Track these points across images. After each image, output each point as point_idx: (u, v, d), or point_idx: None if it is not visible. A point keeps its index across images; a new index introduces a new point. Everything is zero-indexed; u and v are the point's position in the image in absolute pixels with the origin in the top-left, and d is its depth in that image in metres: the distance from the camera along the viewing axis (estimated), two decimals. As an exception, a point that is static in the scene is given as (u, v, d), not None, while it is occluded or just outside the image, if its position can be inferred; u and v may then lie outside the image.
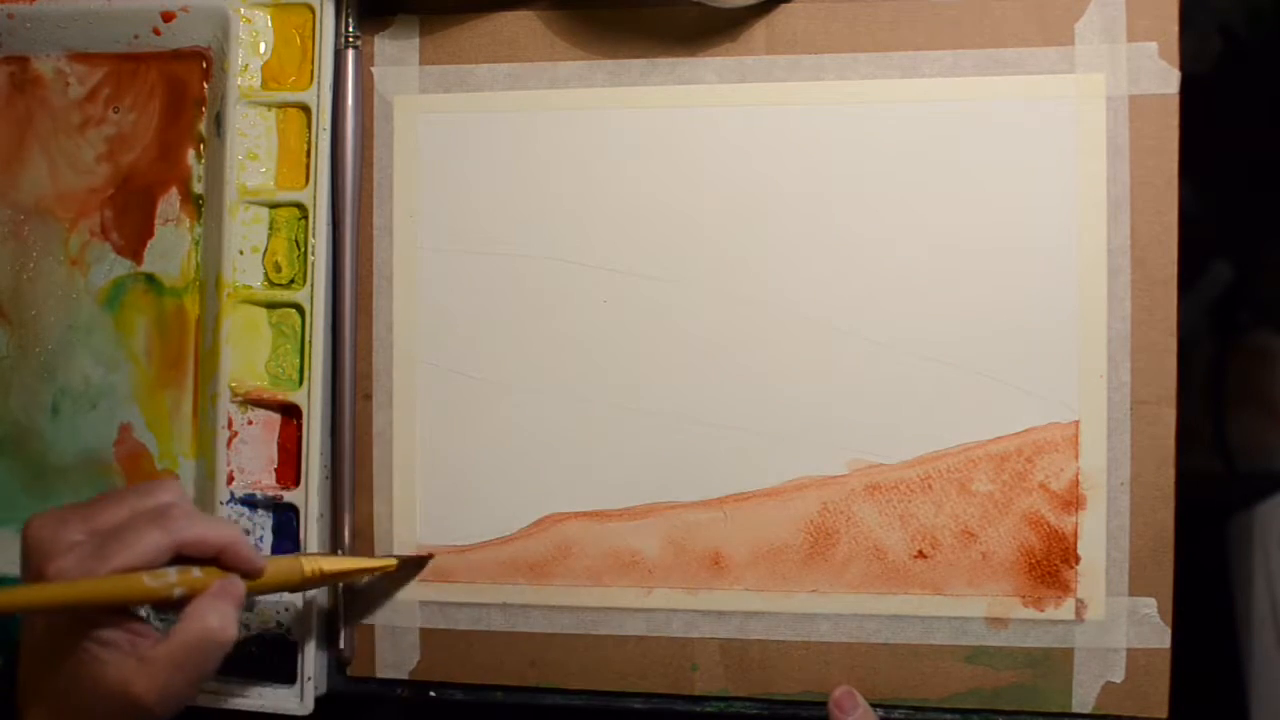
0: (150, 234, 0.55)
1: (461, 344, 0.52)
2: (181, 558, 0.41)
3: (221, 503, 0.52)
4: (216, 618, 0.40)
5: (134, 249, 0.55)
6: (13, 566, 0.54)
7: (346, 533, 0.52)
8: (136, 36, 0.54)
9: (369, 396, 0.53)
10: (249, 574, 0.43)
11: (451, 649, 0.52)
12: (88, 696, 0.40)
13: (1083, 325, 0.49)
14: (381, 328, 0.53)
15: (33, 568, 0.40)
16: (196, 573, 0.41)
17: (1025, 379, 0.49)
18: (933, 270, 0.50)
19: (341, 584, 0.51)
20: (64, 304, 0.55)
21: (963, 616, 0.49)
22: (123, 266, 0.55)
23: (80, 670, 0.40)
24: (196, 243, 0.54)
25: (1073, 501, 0.49)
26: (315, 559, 0.47)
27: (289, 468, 0.53)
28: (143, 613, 0.46)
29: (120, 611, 0.41)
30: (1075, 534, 0.49)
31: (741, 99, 0.51)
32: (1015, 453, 0.49)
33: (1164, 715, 0.48)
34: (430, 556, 0.52)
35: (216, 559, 0.42)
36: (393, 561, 0.51)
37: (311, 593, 0.51)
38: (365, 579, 0.51)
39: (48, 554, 0.40)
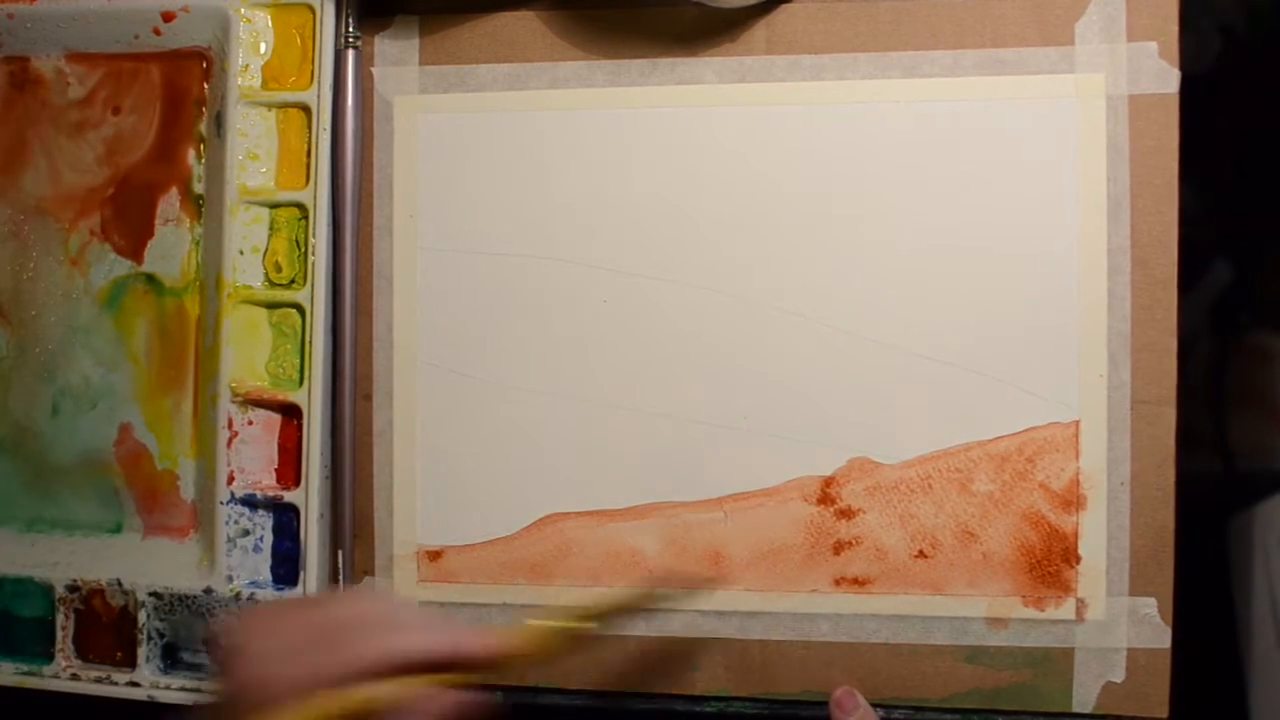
0: (150, 234, 0.55)
1: (461, 344, 0.52)
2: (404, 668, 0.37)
3: (221, 503, 0.52)
4: None
5: (134, 249, 0.55)
6: (12, 567, 0.54)
7: (347, 533, 0.52)
8: (136, 36, 0.54)
9: (369, 396, 0.53)
10: (482, 668, 0.39)
11: (451, 649, 0.52)
12: None
13: (1083, 325, 0.49)
14: (381, 328, 0.53)
15: (239, 686, 0.37)
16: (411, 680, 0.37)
17: (1025, 379, 0.49)
18: (933, 270, 0.49)
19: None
20: (64, 304, 0.55)
21: (963, 616, 0.49)
22: (123, 266, 0.55)
23: None
24: (196, 243, 0.54)
25: (1073, 501, 0.49)
26: (563, 614, 0.42)
27: (289, 468, 0.53)
28: None
29: None
30: (1075, 534, 0.49)
31: (741, 99, 0.51)
32: (1015, 452, 0.49)
33: (1164, 715, 0.48)
34: (711, 580, 0.50)
35: (448, 667, 0.38)
36: (666, 592, 0.47)
37: (311, 593, 0.51)
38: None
39: (254, 659, 0.37)
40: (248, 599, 0.52)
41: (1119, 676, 0.49)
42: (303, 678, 0.36)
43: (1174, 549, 0.48)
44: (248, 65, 0.53)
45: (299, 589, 0.52)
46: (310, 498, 0.52)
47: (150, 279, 0.55)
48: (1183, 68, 0.48)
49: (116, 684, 0.53)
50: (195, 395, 0.54)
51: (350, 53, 0.52)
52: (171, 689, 0.52)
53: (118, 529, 0.55)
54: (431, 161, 0.52)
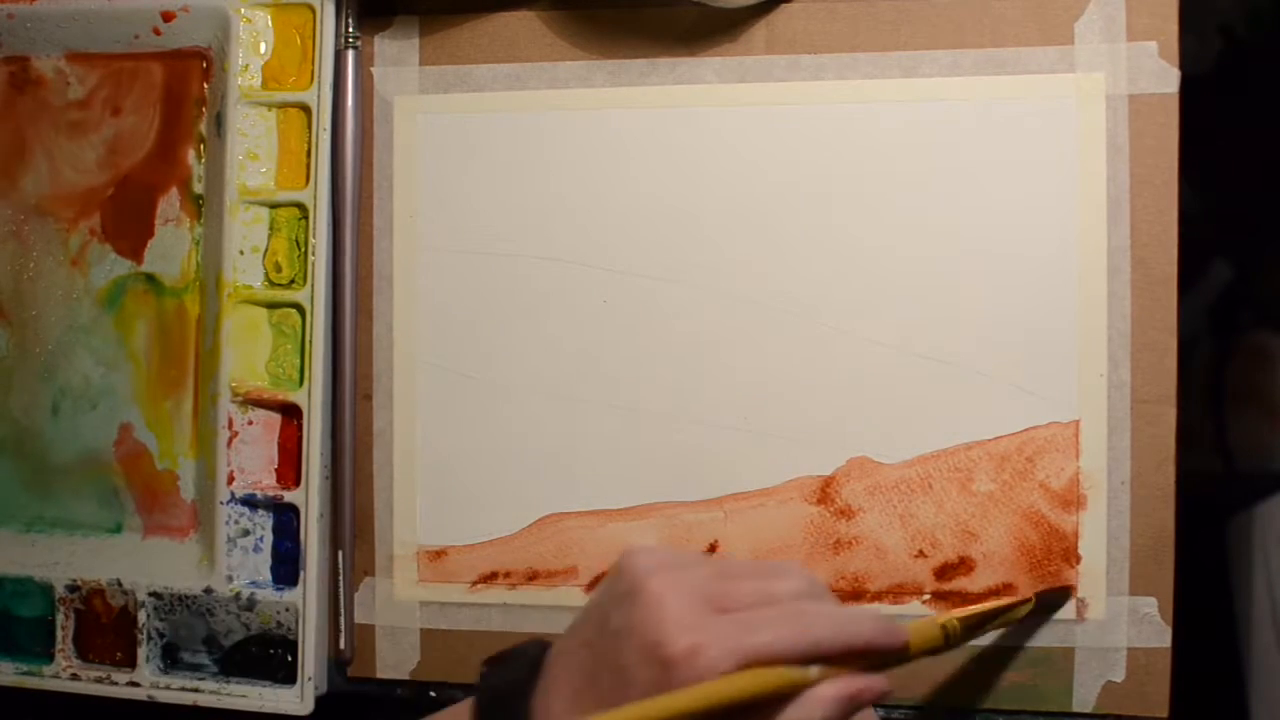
0: (150, 234, 0.55)
1: (461, 344, 0.52)
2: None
3: (221, 503, 0.52)
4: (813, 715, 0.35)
5: (134, 249, 0.55)
6: (14, 567, 0.54)
7: (347, 533, 0.52)
8: (136, 36, 0.54)
9: (369, 396, 0.53)
10: (893, 660, 0.37)
11: (452, 649, 0.52)
12: None
13: (1083, 324, 0.49)
14: (381, 328, 0.53)
15: (658, 635, 0.35)
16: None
17: (1025, 378, 0.49)
18: (933, 270, 0.49)
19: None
20: (64, 304, 0.55)
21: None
22: (123, 266, 0.55)
23: None
24: (197, 243, 0.54)
25: (1073, 501, 0.49)
26: (950, 614, 0.41)
27: (289, 468, 0.53)
28: None
29: None
30: (1076, 533, 0.49)
31: (741, 99, 0.51)
32: (1015, 452, 0.49)
33: (1164, 715, 0.48)
34: (1070, 589, 0.48)
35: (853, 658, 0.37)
36: (1030, 599, 0.47)
37: (311, 593, 0.51)
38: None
39: (682, 627, 0.35)
40: (248, 599, 0.52)
41: (1119, 676, 0.49)
42: (708, 660, 0.34)
43: (1174, 549, 0.48)
44: (248, 65, 0.53)
45: (298, 590, 0.52)
46: (310, 498, 0.52)
47: (150, 279, 0.55)
48: (1183, 68, 0.48)
49: (116, 684, 0.53)
50: (195, 395, 0.54)
51: (350, 53, 0.52)
52: (171, 689, 0.52)
53: (118, 529, 0.55)
54: (431, 161, 0.52)
